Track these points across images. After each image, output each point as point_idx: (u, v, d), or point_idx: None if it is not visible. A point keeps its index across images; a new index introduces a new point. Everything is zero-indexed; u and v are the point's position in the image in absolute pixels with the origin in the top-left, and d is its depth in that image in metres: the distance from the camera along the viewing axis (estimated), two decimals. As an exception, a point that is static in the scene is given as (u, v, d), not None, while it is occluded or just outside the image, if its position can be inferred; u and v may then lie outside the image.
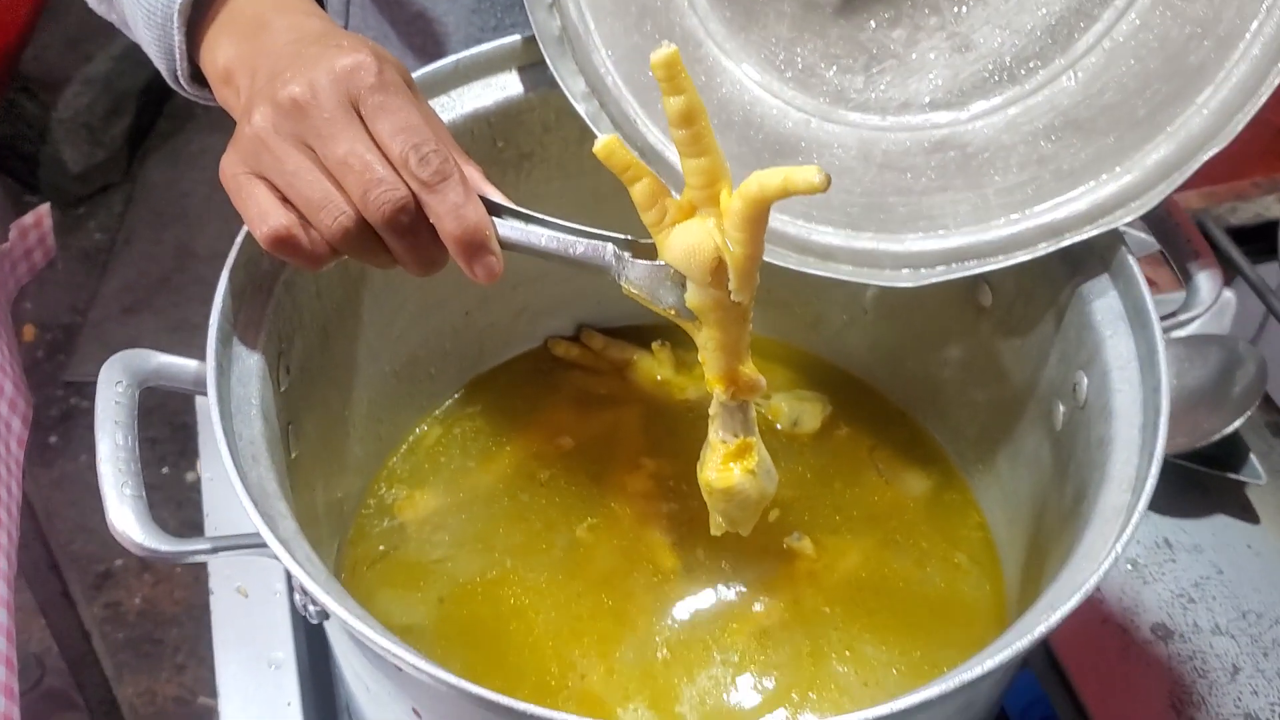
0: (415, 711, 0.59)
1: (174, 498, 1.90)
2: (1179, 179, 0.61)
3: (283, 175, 0.55)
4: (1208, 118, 0.60)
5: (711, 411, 0.63)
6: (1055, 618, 0.51)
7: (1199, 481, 0.86)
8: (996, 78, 0.65)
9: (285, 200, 0.56)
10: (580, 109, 0.69)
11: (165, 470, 1.94)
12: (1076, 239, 0.64)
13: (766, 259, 0.59)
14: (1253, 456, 0.85)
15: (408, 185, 0.55)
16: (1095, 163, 0.63)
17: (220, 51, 0.61)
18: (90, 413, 0.59)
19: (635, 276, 0.58)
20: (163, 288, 2.21)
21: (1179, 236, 0.67)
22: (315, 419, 0.70)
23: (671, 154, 0.69)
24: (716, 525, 0.67)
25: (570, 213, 0.60)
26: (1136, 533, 0.54)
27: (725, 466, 0.63)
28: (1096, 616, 0.81)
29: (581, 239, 0.58)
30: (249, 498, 0.55)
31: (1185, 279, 0.66)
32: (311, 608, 0.58)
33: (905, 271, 0.66)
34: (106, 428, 0.58)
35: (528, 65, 0.73)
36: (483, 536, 0.77)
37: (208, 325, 0.60)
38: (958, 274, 0.66)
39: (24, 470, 0.91)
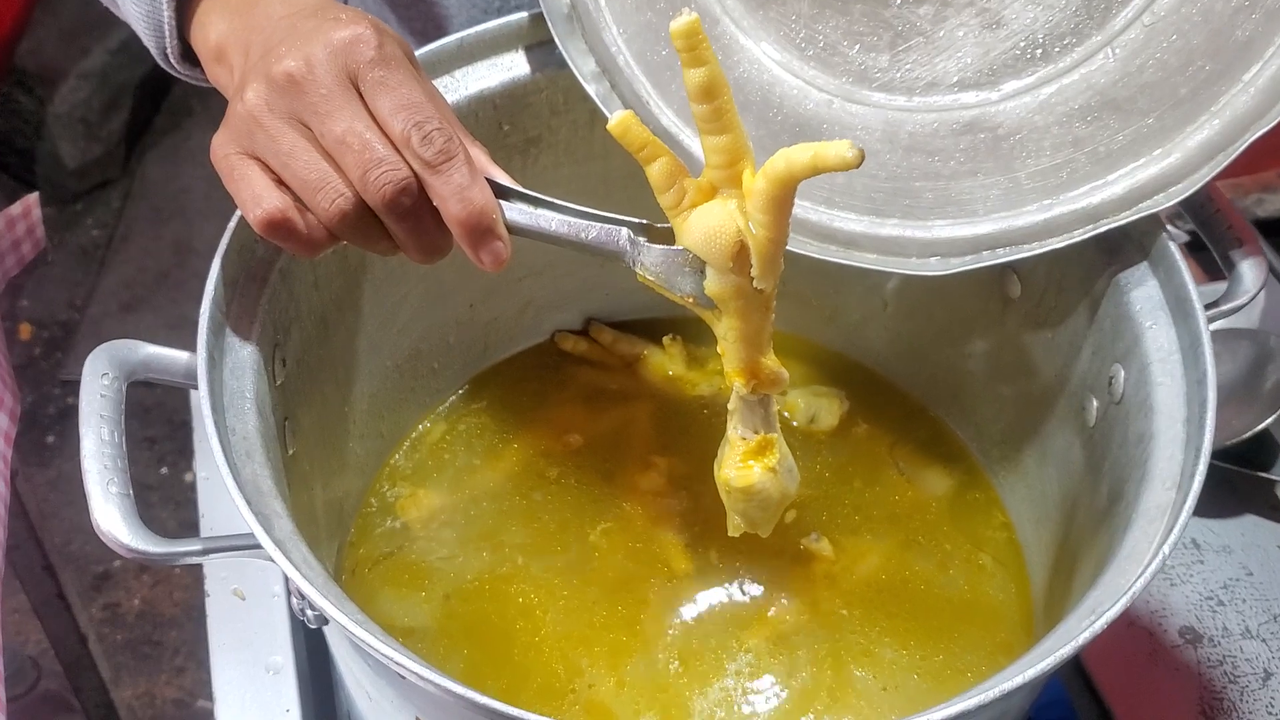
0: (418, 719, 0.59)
1: (172, 498, 1.90)
2: (1224, 161, 0.60)
3: (277, 155, 0.54)
4: (1255, 96, 0.59)
5: (730, 406, 0.62)
6: (1101, 621, 0.51)
7: (1228, 480, 0.85)
8: (1029, 56, 0.64)
9: (280, 182, 0.55)
10: (590, 90, 0.68)
11: (164, 470, 1.94)
12: (1114, 225, 0.63)
13: (786, 247, 0.58)
14: (1284, 455, 0.85)
15: (409, 165, 0.54)
16: (1134, 145, 0.62)
17: (212, 27, 0.60)
18: (89, 412, 0.58)
19: (651, 262, 0.56)
20: (161, 284, 2.21)
21: (1220, 223, 0.66)
22: (313, 414, 0.69)
23: (687, 138, 0.68)
24: (734, 526, 0.66)
25: (579, 200, 0.58)
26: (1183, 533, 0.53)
27: (745, 464, 0.62)
28: (1123, 619, 0.80)
29: (594, 223, 0.57)
30: (241, 496, 0.54)
31: (1228, 268, 0.65)
32: (309, 612, 0.57)
33: (933, 260, 0.66)
34: (92, 422, 0.57)
35: (535, 44, 0.72)
36: (492, 534, 0.77)
37: (202, 317, 0.60)
38: (988, 262, 0.65)
39: (17, 469, 0.89)
